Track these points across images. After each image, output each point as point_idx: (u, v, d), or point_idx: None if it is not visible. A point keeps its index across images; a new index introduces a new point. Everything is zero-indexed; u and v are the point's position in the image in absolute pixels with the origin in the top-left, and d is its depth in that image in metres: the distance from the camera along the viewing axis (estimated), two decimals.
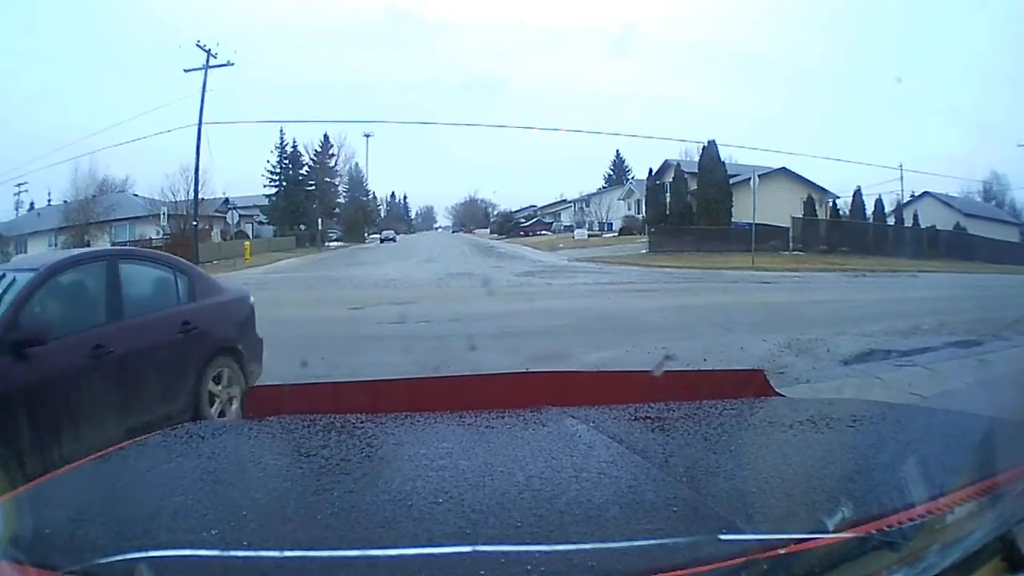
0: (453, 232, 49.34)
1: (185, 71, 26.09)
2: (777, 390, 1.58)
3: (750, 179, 24.74)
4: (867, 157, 38.72)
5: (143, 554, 0.76)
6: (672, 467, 1.05)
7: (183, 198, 27.84)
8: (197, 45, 25.90)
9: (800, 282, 15.45)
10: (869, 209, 28.94)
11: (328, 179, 36.35)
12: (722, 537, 0.80)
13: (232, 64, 26.18)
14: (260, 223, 35.38)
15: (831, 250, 25.37)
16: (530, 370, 1.60)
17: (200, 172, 26.06)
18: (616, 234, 33.26)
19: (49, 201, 30.32)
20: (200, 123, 25.34)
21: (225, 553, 0.79)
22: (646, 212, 31.13)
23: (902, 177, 29.16)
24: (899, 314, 8.69)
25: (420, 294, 12.14)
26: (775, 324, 7.53)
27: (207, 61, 25.92)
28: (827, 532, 0.79)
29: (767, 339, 6.41)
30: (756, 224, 23.27)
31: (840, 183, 29.02)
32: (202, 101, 25.41)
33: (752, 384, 1.55)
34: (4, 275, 3.82)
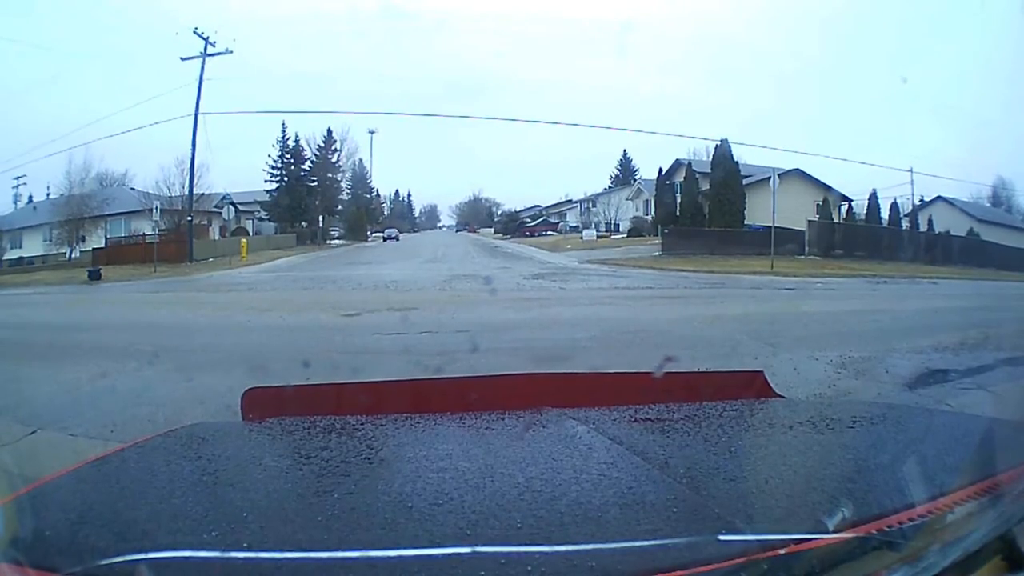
0: (457, 231, 48.74)
1: (182, 59, 25.57)
2: (777, 391, 1.58)
3: (761, 179, 24.38)
4: (868, 158, 38.04)
5: (144, 556, 0.76)
6: (672, 468, 1.05)
7: (180, 192, 26.57)
8: (194, 32, 25.37)
9: (826, 289, 14.85)
10: (883, 212, 28.60)
11: (331, 175, 35.91)
12: (722, 537, 0.80)
13: (231, 52, 25.30)
14: (260, 219, 35.04)
15: (847, 254, 24.94)
16: (530, 372, 1.60)
17: (197, 165, 25.06)
18: (625, 235, 32.62)
19: (48, 195, 29.65)
20: (196, 113, 24.81)
21: (225, 554, 0.79)
22: (656, 212, 30.54)
23: (912, 181, 28.80)
24: (940, 327, 8.29)
25: (423, 298, 11.52)
26: (820, 339, 7.10)
27: (204, 49, 25.33)
28: (827, 532, 0.79)
29: (818, 357, 6.04)
30: (771, 227, 22.90)
31: (843, 184, 28.69)
32: (199, 90, 24.86)
33: (752, 385, 1.54)
34: None
